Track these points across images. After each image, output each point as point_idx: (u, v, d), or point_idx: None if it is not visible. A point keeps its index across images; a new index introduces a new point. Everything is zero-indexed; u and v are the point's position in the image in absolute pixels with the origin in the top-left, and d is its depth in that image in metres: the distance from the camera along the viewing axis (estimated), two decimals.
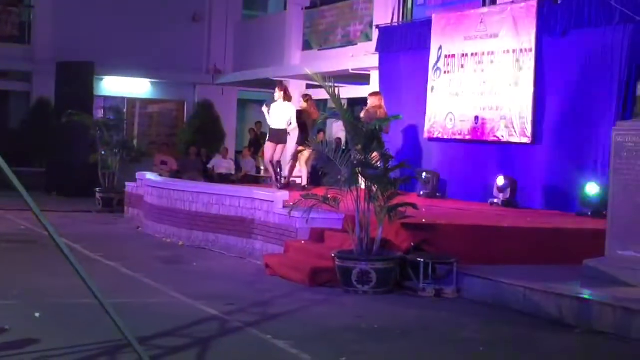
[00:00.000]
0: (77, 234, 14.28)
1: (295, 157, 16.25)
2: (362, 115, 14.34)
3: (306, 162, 16.14)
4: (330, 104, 11.76)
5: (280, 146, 15.60)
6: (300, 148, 15.76)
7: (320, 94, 20.96)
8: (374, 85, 19.27)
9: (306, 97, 16.39)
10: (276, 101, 15.56)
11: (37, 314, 8.03)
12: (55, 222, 4.99)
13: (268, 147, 15.77)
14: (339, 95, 10.71)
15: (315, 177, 15.89)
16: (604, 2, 13.16)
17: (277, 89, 15.77)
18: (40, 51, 26.00)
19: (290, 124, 15.57)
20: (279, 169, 15.92)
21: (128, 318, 6.33)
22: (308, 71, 11.87)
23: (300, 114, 15.86)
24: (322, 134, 22.27)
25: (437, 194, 16.00)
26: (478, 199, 15.23)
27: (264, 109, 15.84)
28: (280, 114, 15.51)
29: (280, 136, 15.56)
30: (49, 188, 22.40)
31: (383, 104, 15.39)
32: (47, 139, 23.53)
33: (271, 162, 15.73)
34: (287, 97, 15.76)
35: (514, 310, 9.12)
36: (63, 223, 15.40)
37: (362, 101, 21.00)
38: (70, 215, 17.86)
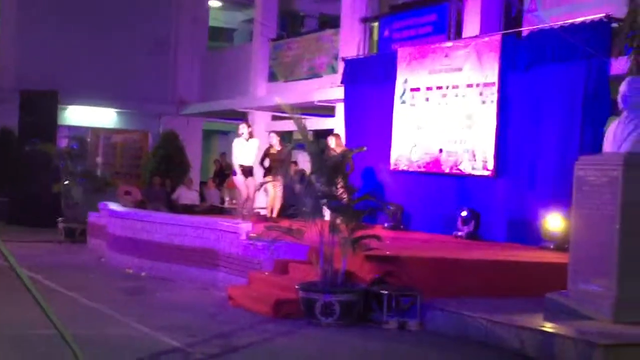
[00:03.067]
0: (38, 264, 14.15)
1: (258, 190, 16.37)
2: None
3: (275, 197, 16.28)
4: (296, 135, 11.76)
5: (250, 179, 15.75)
6: (269, 181, 15.90)
7: (286, 126, 20.99)
8: (340, 117, 19.34)
9: (279, 138, 16.55)
10: (241, 137, 15.64)
11: None
12: (16, 252, 4.95)
13: (240, 181, 15.86)
14: (305, 126, 10.74)
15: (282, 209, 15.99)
16: (566, 38, 13.33)
17: (244, 125, 16.00)
18: (4, 80, 25.80)
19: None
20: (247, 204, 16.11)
21: (89, 349, 6.28)
22: (279, 100, 11.92)
23: (268, 154, 16.16)
24: (293, 164, 22.32)
25: (401, 226, 16.06)
26: (442, 232, 15.29)
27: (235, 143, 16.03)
28: (249, 151, 15.76)
29: (249, 171, 15.74)
30: (11, 218, 22.16)
31: (337, 144, 15.53)
32: (10, 168, 23.33)
33: (247, 198, 15.88)
34: (252, 135, 16.10)
35: (477, 342, 9.13)
36: (24, 253, 15.21)
37: (328, 133, 21.08)
38: (32, 245, 17.68)
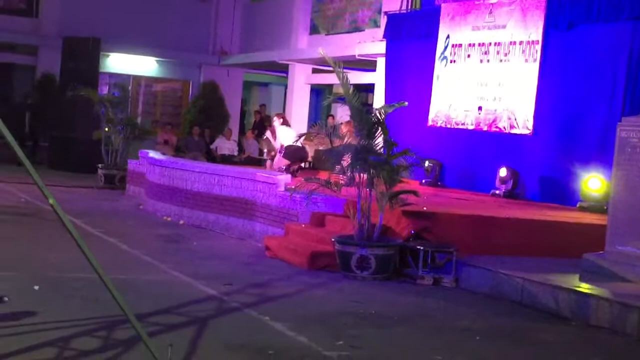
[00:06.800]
0: (78, 209, 14.31)
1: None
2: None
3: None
4: (337, 89, 11.68)
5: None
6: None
7: (326, 79, 20.88)
8: (380, 71, 19.24)
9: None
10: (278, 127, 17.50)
11: (35, 287, 8.06)
12: (57, 197, 5.00)
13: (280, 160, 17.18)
14: (347, 80, 10.70)
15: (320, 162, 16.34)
16: None
17: (276, 118, 18.12)
18: (48, 25, 25.96)
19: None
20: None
21: (127, 294, 6.36)
22: (322, 52, 11.79)
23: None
24: (331, 118, 22.34)
25: (439, 183, 16.03)
26: (480, 189, 15.24)
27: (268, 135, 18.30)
28: (288, 134, 16.99)
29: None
30: (51, 163, 22.37)
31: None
32: (51, 113, 23.51)
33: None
34: (286, 123, 18.06)
35: (512, 301, 9.15)
36: (65, 198, 15.39)
37: (368, 88, 20.96)
38: (72, 190, 17.89)
